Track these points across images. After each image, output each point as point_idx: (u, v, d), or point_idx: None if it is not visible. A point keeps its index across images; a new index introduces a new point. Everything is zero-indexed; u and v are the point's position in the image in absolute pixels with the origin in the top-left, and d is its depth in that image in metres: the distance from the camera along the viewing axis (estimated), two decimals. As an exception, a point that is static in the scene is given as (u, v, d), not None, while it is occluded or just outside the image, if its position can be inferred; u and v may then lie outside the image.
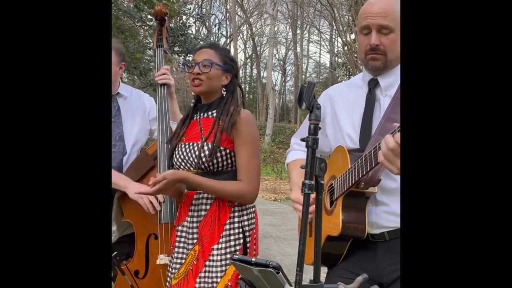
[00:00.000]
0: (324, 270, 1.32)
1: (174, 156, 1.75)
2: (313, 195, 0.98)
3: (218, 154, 1.65)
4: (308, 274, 0.94)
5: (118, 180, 1.93)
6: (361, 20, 1.41)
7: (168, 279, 1.76)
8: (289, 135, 20.47)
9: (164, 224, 1.90)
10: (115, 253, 1.88)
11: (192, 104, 1.81)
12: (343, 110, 1.50)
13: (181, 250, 1.73)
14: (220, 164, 1.66)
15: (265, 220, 6.90)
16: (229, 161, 1.68)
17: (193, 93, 1.79)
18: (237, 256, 1.08)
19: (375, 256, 1.38)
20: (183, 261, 1.71)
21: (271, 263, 0.98)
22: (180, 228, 1.74)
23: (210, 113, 1.74)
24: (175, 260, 1.73)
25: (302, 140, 1.01)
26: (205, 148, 1.65)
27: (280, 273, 0.96)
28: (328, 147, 1.59)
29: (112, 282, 2.05)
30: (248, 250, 1.72)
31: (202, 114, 1.76)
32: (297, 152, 1.72)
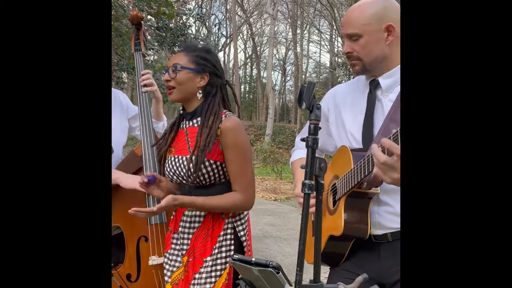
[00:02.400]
0: (324, 270, 1.32)
1: (166, 167, 1.70)
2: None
3: (209, 168, 1.60)
4: (308, 274, 0.94)
5: None
6: None
7: (166, 277, 1.75)
8: (289, 135, 20.48)
9: (154, 225, 1.90)
10: None
11: (180, 111, 1.76)
12: (347, 110, 1.51)
13: (174, 257, 1.72)
14: (212, 178, 1.61)
15: (265, 220, 6.90)
16: (221, 172, 1.63)
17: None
18: (237, 256, 1.07)
19: (378, 257, 1.38)
20: (174, 268, 1.71)
21: (271, 263, 0.98)
22: (175, 235, 1.73)
23: (194, 121, 1.67)
24: (171, 263, 1.73)
25: (302, 140, 1.01)
26: (192, 163, 1.60)
27: (280, 273, 0.96)
28: (332, 147, 1.59)
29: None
30: None
31: (187, 122, 1.69)
32: (302, 151, 1.72)
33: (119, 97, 2.23)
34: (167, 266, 1.74)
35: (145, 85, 2.04)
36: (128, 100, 2.29)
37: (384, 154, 1.11)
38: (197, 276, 1.63)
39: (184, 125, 1.71)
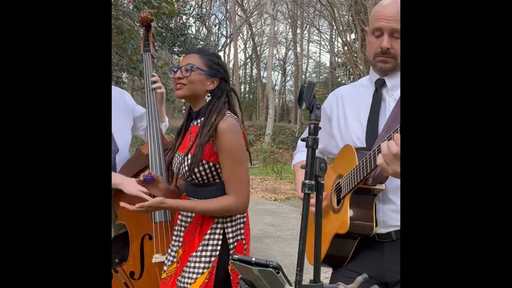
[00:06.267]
0: (324, 270, 1.32)
1: (173, 164, 1.74)
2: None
3: (202, 168, 1.61)
4: (308, 274, 0.94)
5: (112, 178, 1.92)
6: (373, 22, 1.38)
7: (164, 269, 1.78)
8: (289, 135, 20.47)
9: (158, 223, 1.92)
10: None
11: (185, 112, 1.78)
12: (351, 110, 1.50)
13: (174, 248, 1.75)
14: (205, 177, 1.63)
15: (265, 220, 6.90)
16: (215, 173, 1.63)
17: (177, 99, 1.78)
18: (237, 256, 1.07)
19: (381, 256, 1.37)
20: (174, 259, 1.74)
21: (271, 263, 0.97)
22: (176, 227, 1.76)
23: (199, 120, 1.70)
24: (171, 253, 1.76)
25: (303, 140, 1.01)
26: (187, 161, 1.63)
27: (280, 273, 0.96)
28: (335, 148, 1.58)
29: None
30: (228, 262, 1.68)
31: (193, 122, 1.73)
32: (304, 154, 1.72)
33: (124, 97, 2.25)
34: (166, 261, 1.77)
35: (153, 82, 2.08)
36: (132, 99, 2.31)
37: (397, 146, 1.11)
38: (185, 269, 1.65)
39: (190, 125, 1.76)
